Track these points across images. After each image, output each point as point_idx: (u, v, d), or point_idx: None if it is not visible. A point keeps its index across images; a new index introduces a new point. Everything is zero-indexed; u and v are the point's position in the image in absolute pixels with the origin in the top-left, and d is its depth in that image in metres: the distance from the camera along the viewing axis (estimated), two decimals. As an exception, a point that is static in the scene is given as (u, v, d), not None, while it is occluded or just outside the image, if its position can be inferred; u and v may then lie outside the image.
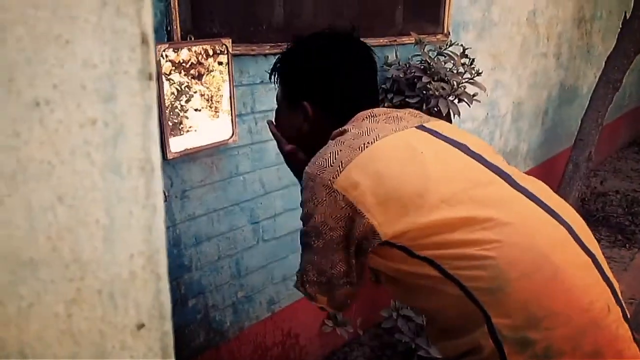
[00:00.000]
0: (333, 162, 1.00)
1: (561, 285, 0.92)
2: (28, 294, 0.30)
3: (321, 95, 1.14)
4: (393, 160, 0.99)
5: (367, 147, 1.00)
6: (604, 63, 3.72)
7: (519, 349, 0.91)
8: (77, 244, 0.31)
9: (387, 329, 2.48)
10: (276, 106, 1.27)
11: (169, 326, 0.37)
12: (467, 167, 1.03)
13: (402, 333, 2.38)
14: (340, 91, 1.14)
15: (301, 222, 1.07)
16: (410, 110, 1.18)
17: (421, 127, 1.08)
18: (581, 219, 1.06)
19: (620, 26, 3.67)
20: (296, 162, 1.24)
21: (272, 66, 1.21)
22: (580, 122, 3.77)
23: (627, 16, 3.64)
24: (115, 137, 0.31)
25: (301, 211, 1.05)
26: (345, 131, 1.07)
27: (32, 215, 0.29)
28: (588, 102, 3.77)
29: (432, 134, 1.07)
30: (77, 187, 0.30)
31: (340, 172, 0.98)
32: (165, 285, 0.36)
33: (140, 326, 0.34)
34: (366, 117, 1.09)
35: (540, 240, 0.95)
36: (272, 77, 1.21)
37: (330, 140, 1.08)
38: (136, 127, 0.32)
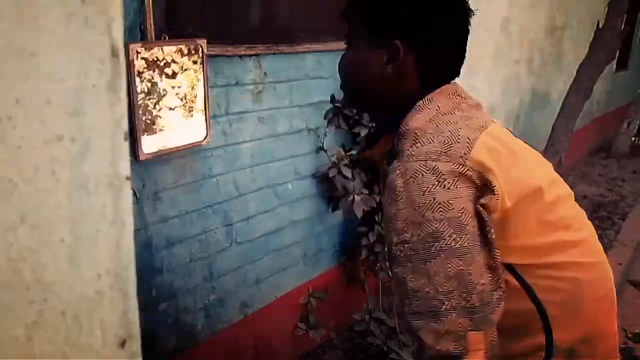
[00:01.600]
0: (459, 137, 0.84)
1: (613, 310, 0.97)
2: (-14, 319, 0.29)
3: (421, 36, 0.92)
4: (507, 149, 0.89)
5: (483, 130, 0.88)
6: (575, 71, 3.79)
7: (564, 358, 0.93)
8: (39, 265, 0.30)
9: (360, 332, 2.48)
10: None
11: (137, 346, 0.35)
12: (551, 172, 1.00)
13: (374, 336, 2.39)
14: (442, 36, 0.93)
15: (396, 229, 0.83)
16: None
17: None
18: None
19: (593, 36, 3.73)
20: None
21: None
22: (551, 128, 3.84)
23: (600, 26, 3.71)
24: (82, 153, 0.30)
25: (407, 213, 0.81)
26: (437, 105, 0.91)
27: (-9, 236, 0.28)
28: (559, 109, 3.84)
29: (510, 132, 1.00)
30: (41, 206, 0.29)
31: (472, 147, 0.83)
32: (134, 303, 0.35)
33: (122, 343, 0.33)
34: (452, 94, 0.94)
35: (606, 263, 0.97)
36: (349, 10, 0.96)
37: (417, 112, 0.90)
38: (104, 141, 0.31)
